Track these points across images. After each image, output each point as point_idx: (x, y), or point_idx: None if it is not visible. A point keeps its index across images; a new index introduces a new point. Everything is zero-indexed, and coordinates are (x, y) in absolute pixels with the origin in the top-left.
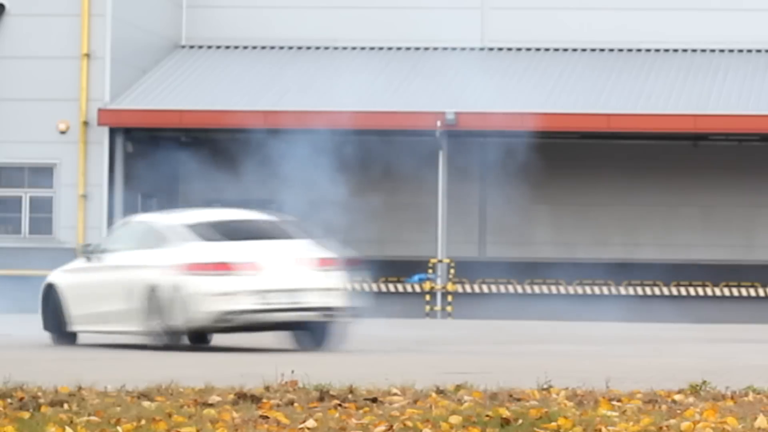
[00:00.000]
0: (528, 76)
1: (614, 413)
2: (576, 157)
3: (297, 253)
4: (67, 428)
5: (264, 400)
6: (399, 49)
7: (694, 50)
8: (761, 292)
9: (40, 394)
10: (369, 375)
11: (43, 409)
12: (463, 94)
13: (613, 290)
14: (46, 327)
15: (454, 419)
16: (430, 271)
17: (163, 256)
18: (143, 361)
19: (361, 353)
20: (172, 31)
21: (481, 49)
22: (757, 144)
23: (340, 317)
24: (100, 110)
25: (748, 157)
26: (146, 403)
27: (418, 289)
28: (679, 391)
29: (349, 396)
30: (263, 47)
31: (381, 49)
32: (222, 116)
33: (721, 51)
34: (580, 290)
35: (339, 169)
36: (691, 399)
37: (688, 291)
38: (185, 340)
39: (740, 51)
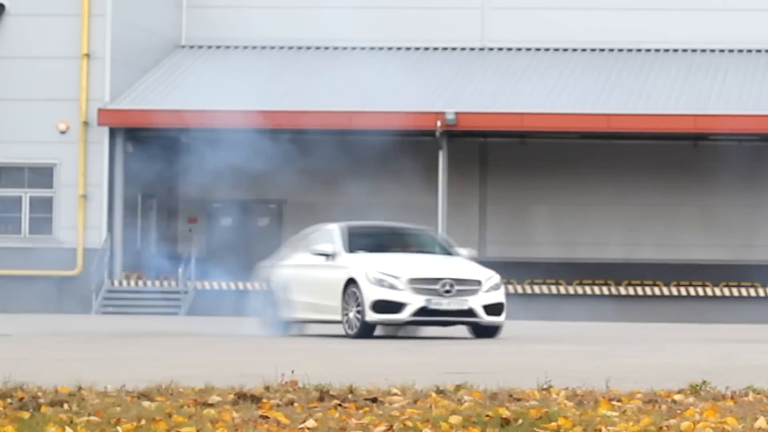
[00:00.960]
0: (528, 76)
1: (614, 413)
2: (576, 157)
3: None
4: (67, 428)
5: (264, 400)
6: (399, 49)
7: (694, 50)
8: (761, 292)
9: (40, 394)
10: (369, 375)
11: (43, 409)
12: (463, 94)
13: (613, 290)
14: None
15: (454, 419)
16: None
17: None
18: (143, 361)
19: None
20: (172, 31)
21: (481, 49)
22: (757, 144)
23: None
24: (100, 110)
25: (748, 157)
26: (146, 403)
27: None
28: (679, 391)
29: (349, 396)
30: (263, 47)
31: (381, 49)
32: (222, 116)
33: (721, 51)
34: (580, 290)
35: (339, 170)
36: (691, 399)
37: (688, 291)
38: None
39: (740, 51)
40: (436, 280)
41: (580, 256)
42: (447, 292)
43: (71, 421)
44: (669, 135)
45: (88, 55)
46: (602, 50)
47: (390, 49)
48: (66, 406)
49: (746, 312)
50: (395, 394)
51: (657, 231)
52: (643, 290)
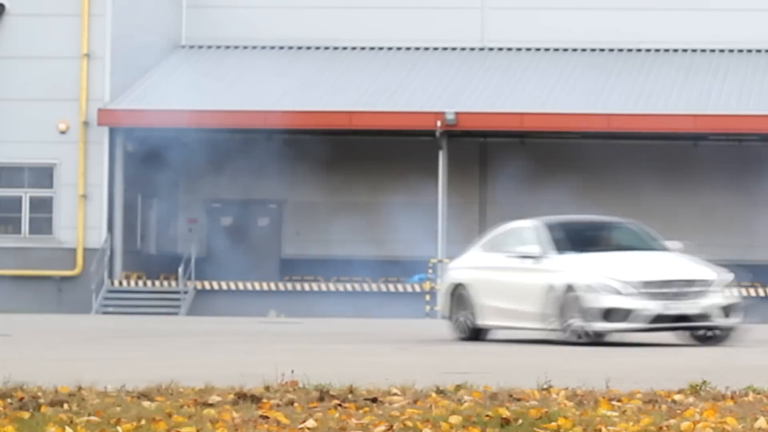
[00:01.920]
0: (528, 76)
1: (614, 413)
2: (576, 157)
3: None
4: (67, 428)
5: (264, 400)
6: (399, 49)
7: (694, 50)
8: (761, 292)
9: (40, 394)
10: (369, 375)
11: (43, 409)
12: (463, 94)
13: None
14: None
15: (454, 419)
16: (430, 271)
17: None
18: (143, 361)
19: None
20: (172, 31)
21: (481, 49)
22: (757, 144)
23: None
24: (100, 110)
25: (748, 157)
26: (146, 403)
27: (418, 289)
28: (679, 391)
29: (349, 396)
30: (263, 47)
31: (381, 49)
32: (222, 116)
33: (721, 51)
34: None
35: (339, 170)
36: (691, 399)
37: None
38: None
39: (740, 51)
40: (668, 283)
41: None
42: (682, 294)
43: (71, 421)
44: (669, 135)
45: (88, 55)
46: (602, 50)
47: (390, 49)
48: (66, 406)
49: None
50: (395, 394)
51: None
52: None
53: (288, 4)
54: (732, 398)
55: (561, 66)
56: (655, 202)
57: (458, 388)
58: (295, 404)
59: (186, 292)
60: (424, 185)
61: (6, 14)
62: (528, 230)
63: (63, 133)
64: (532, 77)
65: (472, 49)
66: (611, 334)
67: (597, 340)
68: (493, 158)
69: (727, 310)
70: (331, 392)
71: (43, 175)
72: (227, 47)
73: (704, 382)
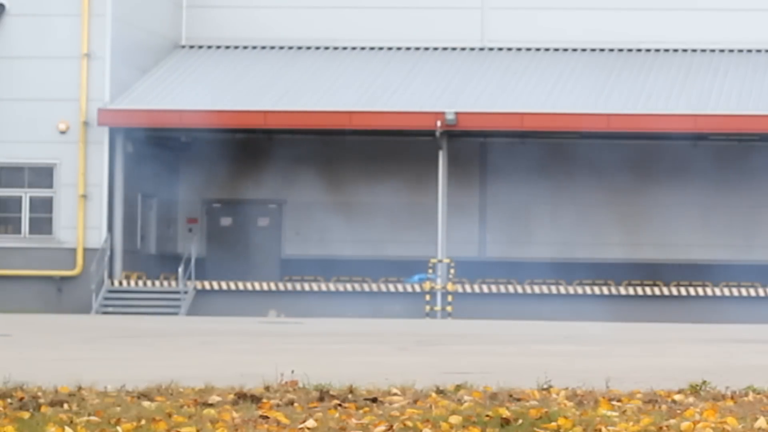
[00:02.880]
0: (528, 76)
1: (614, 413)
2: (576, 157)
3: None
4: (67, 428)
5: (264, 400)
6: (399, 49)
7: (694, 50)
8: (761, 292)
9: (40, 394)
10: (369, 375)
11: (43, 409)
12: (463, 94)
13: (613, 290)
14: None
15: (454, 419)
16: (430, 271)
17: None
18: (143, 361)
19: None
20: (172, 31)
21: (481, 49)
22: (757, 144)
23: None
24: (100, 110)
25: (748, 157)
26: (146, 403)
27: (418, 289)
28: (679, 391)
29: (349, 396)
30: (263, 47)
31: (381, 49)
32: (222, 116)
33: (721, 51)
34: (580, 290)
35: (339, 170)
36: (691, 399)
37: (688, 291)
38: None
39: (740, 51)
40: None
41: (580, 256)
42: None
43: (71, 421)
44: (669, 135)
45: (88, 55)
46: (602, 50)
47: (390, 49)
48: (66, 406)
49: (746, 312)
50: (395, 394)
51: (657, 231)
52: (643, 290)
53: (288, 4)
54: (732, 398)
55: (561, 66)
56: (655, 202)
57: (458, 388)
58: (295, 404)
59: (186, 292)
60: (424, 185)
61: (6, 14)
62: None
63: (63, 133)
64: (532, 77)
65: (472, 49)
66: None
67: None
68: (493, 158)
69: None
70: (331, 392)
71: (43, 175)
72: (227, 47)
73: (704, 382)
